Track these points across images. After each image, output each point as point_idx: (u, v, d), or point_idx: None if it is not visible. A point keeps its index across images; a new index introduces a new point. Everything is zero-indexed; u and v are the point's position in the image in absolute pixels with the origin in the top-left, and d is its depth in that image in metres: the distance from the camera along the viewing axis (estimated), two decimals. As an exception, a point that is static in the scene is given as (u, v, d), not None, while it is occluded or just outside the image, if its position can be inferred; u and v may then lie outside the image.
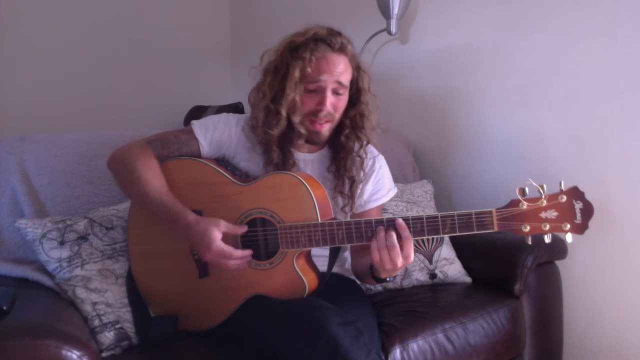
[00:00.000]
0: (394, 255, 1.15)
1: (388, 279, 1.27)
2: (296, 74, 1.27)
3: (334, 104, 1.31)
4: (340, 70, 1.29)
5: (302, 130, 1.31)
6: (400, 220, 1.17)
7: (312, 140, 1.35)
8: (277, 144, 1.32)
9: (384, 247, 1.16)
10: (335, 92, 1.31)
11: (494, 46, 1.99)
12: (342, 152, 1.38)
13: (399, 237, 1.16)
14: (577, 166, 1.77)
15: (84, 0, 2.64)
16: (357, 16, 2.39)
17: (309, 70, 1.27)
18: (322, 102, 1.29)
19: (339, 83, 1.30)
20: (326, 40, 1.29)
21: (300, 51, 1.28)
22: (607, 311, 1.77)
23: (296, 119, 1.30)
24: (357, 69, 1.35)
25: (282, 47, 1.31)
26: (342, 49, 1.30)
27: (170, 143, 1.33)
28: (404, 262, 1.16)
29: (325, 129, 1.33)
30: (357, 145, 1.38)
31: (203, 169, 1.31)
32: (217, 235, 1.17)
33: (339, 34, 1.32)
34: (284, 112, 1.29)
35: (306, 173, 1.37)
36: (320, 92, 1.30)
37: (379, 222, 1.18)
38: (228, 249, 1.18)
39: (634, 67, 1.66)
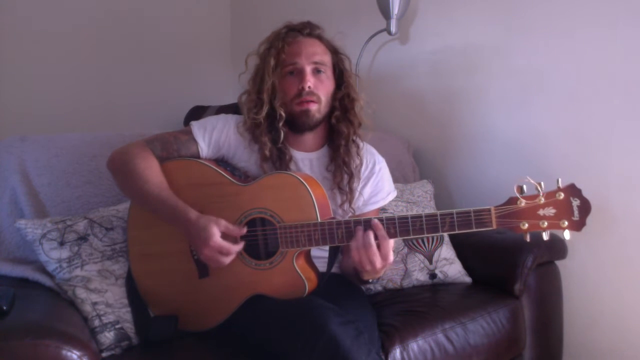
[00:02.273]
0: (370, 255, 1.17)
1: (370, 281, 1.30)
2: (271, 61, 1.33)
3: (316, 84, 1.34)
4: (314, 50, 1.36)
5: (282, 112, 1.34)
6: (375, 221, 1.19)
7: (301, 122, 1.36)
8: (267, 135, 1.34)
9: (361, 247, 1.18)
10: (316, 72, 1.35)
11: (494, 46, 1.99)
12: (337, 140, 1.39)
13: (376, 238, 1.18)
14: (576, 166, 1.77)
15: (84, 1, 2.64)
16: (357, 16, 2.39)
17: (284, 56, 1.34)
18: (302, 80, 1.33)
19: (316, 62, 1.35)
20: (296, 28, 1.37)
21: (273, 42, 1.36)
22: (607, 311, 1.77)
23: (277, 102, 1.34)
24: (335, 52, 1.41)
25: (261, 48, 1.39)
26: (311, 34, 1.38)
27: (170, 144, 1.34)
28: (382, 263, 1.18)
29: (314, 109, 1.34)
30: (350, 130, 1.39)
31: (202, 169, 1.31)
32: (216, 231, 1.17)
33: (308, 22, 1.40)
34: (265, 97, 1.33)
35: (305, 173, 1.37)
36: (299, 74, 1.34)
37: (357, 222, 1.20)
38: (227, 245, 1.18)
39: (634, 67, 1.65)
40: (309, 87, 1.32)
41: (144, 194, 1.24)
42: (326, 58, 1.37)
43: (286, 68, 1.34)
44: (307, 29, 1.38)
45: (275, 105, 1.33)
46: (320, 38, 1.39)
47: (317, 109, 1.35)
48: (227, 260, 1.20)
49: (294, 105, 1.34)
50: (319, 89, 1.34)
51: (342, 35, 1.42)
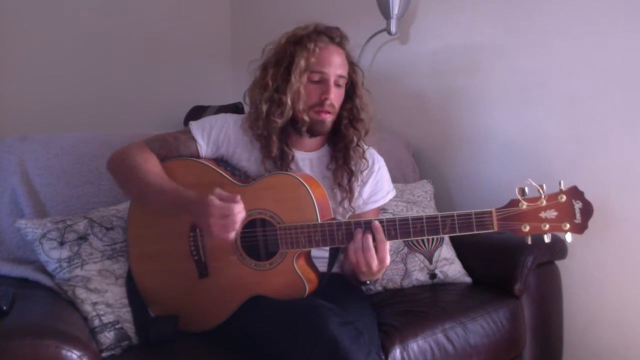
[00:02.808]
0: (368, 258, 1.17)
1: (367, 282, 1.29)
2: (302, 63, 1.30)
3: (335, 95, 1.34)
4: (341, 62, 1.34)
5: (306, 118, 1.32)
6: (376, 223, 1.18)
7: (315, 130, 1.36)
8: (278, 135, 1.33)
9: (359, 249, 1.18)
10: (336, 84, 1.34)
11: (494, 46, 1.99)
12: (341, 143, 1.40)
13: (374, 240, 1.18)
14: (577, 166, 1.77)
15: (85, 1, 2.63)
16: (357, 16, 2.39)
17: (313, 60, 1.30)
18: (326, 92, 1.32)
19: (340, 76, 1.34)
20: (326, 33, 1.35)
21: (305, 42, 1.31)
22: (607, 311, 1.77)
23: (300, 107, 1.32)
24: (351, 63, 1.40)
25: (284, 40, 1.35)
26: (341, 43, 1.37)
27: (169, 144, 1.33)
28: (379, 266, 1.18)
29: (329, 120, 1.35)
30: (356, 137, 1.40)
31: (202, 169, 1.31)
32: (212, 197, 1.12)
33: (337, 28, 1.38)
34: (289, 101, 1.30)
35: (305, 173, 1.37)
36: (323, 83, 1.32)
37: (357, 224, 1.20)
38: (226, 204, 1.11)
39: (634, 67, 1.66)
40: (331, 99, 1.32)
41: (145, 185, 1.23)
42: (346, 70, 1.36)
43: (313, 75, 1.32)
44: (338, 38, 1.36)
45: (299, 109, 1.32)
46: (344, 48, 1.37)
47: (331, 119, 1.36)
48: (234, 224, 1.11)
49: (312, 112, 1.33)
50: (336, 101, 1.34)
51: (359, 48, 1.40)
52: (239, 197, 1.14)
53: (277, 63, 1.33)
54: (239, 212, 1.12)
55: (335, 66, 1.32)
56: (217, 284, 1.27)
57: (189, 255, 1.29)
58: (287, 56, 1.32)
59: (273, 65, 1.34)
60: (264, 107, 1.32)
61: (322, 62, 1.31)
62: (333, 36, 1.35)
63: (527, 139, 1.93)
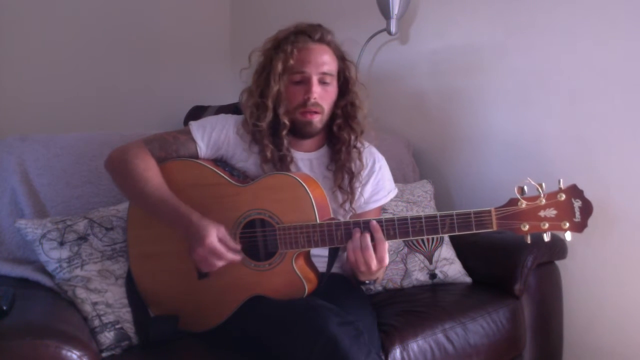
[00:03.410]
0: (367, 257, 1.17)
1: (367, 282, 1.30)
2: (278, 66, 1.30)
3: (321, 94, 1.32)
4: (324, 60, 1.33)
5: (286, 121, 1.32)
6: (374, 223, 1.18)
7: (305, 131, 1.35)
8: (269, 138, 1.33)
9: (358, 249, 1.18)
10: (322, 82, 1.33)
11: (494, 46, 1.99)
12: (338, 144, 1.39)
13: (373, 239, 1.18)
14: (577, 166, 1.77)
15: (84, 0, 2.64)
16: (357, 16, 2.39)
17: (292, 62, 1.30)
18: (308, 91, 1.31)
19: (324, 73, 1.32)
20: (306, 32, 1.33)
21: (282, 45, 1.32)
22: (607, 310, 1.77)
23: (281, 110, 1.32)
24: (342, 59, 1.38)
25: (267, 45, 1.35)
26: (322, 39, 1.34)
27: (169, 144, 1.33)
28: (378, 265, 1.18)
29: (317, 120, 1.34)
30: (352, 137, 1.39)
31: (201, 170, 1.31)
32: (213, 233, 1.17)
33: (319, 25, 1.36)
34: (270, 104, 1.31)
35: (304, 173, 1.37)
36: (305, 83, 1.32)
37: (356, 224, 1.20)
38: (221, 248, 1.17)
39: (634, 67, 1.65)
40: (315, 98, 1.31)
41: (144, 195, 1.24)
42: (333, 67, 1.35)
43: (294, 76, 1.32)
44: (318, 34, 1.34)
45: (280, 112, 1.32)
46: (329, 44, 1.36)
47: (320, 119, 1.35)
48: (219, 264, 1.18)
49: (298, 114, 1.33)
50: (324, 100, 1.33)
51: (352, 42, 1.39)
52: (238, 256, 1.20)
53: (261, 70, 1.35)
54: (226, 261, 1.18)
55: (317, 64, 1.31)
56: (217, 285, 1.27)
57: (188, 255, 1.29)
58: (268, 61, 1.33)
59: (259, 71, 1.36)
60: (248, 112, 1.34)
61: (301, 62, 1.31)
62: (312, 34, 1.33)
63: (527, 139, 1.92)
